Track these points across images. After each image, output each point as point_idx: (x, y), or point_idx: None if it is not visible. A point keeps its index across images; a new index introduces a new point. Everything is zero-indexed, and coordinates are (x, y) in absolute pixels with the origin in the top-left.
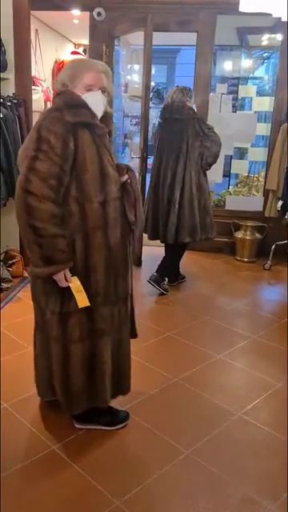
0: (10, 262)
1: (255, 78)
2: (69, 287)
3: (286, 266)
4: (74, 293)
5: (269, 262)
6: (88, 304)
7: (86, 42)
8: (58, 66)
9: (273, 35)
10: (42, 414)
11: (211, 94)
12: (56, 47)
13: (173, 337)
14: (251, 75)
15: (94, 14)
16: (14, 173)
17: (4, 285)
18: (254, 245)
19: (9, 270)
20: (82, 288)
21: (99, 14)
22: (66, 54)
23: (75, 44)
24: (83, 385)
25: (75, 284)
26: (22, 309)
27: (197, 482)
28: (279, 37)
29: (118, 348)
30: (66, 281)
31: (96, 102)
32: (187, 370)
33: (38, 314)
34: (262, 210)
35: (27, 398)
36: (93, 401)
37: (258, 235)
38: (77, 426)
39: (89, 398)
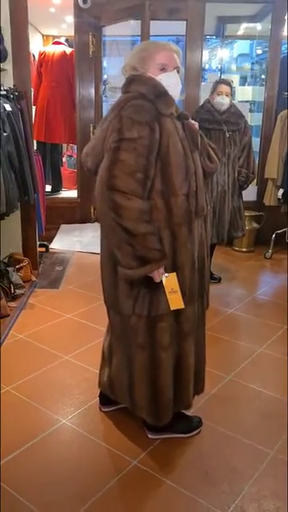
0: (18, 266)
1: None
2: (159, 287)
3: (286, 254)
4: (166, 292)
5: (270, 250)
6: (182, 306)
7: (55, 33)
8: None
9: (251, 24)
10: (108, 427)
11: (203, 83)
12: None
13: (207, 333)
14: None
15: (80, 1)
16: (25, 171)
17: (17, 291)
18: (251, 234)
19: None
20: (177, 287)
21: (85, 1)
22: (33, 45)
23: (43, 35)
24: (173, 392)
25: (170, 282)
26: (38, 316)
27: None
28: (258, 26)
29: (197, 346)
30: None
31: (173, 84)
32: (236, 366)
33: (118, 320)
34: (256, 199)
35: (85, 411)
36: (176, 406)
37: (255, 224)
38: (150, 436)
39: (174, 404)
